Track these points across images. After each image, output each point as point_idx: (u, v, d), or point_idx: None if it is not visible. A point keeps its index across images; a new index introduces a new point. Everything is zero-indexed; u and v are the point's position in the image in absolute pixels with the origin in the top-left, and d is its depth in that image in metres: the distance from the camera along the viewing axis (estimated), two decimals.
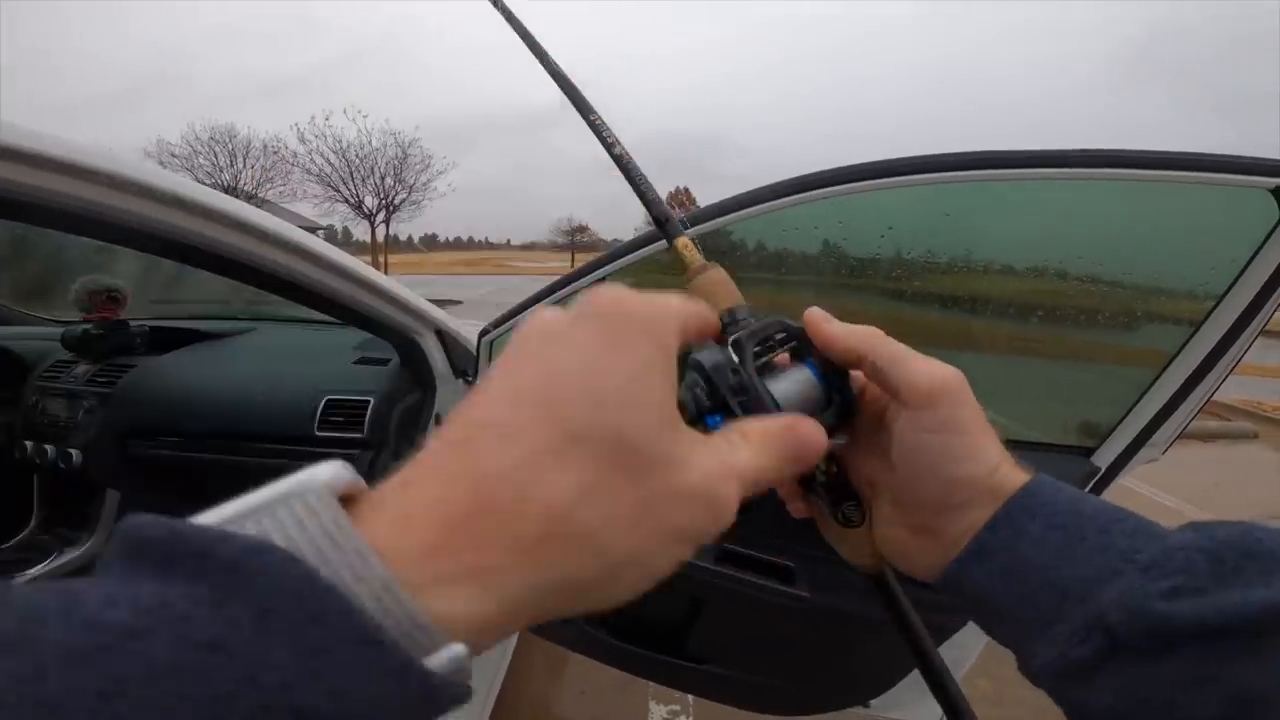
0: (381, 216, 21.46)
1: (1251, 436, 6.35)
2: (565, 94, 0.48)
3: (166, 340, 1.73)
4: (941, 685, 0.35)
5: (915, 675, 1.00)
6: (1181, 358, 0.82)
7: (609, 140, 0.44)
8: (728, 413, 0.29)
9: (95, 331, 1.65)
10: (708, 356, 0.30)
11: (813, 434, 0.26)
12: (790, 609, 0.94)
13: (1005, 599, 0.27)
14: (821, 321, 0.32)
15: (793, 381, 0.31)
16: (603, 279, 1.09)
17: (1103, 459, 0.91)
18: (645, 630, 1.13)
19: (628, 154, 0.43)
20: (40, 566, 1.51)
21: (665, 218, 0.40)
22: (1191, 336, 0.81)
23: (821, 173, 0.87)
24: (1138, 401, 0.87)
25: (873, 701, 1.10)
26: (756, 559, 1.00)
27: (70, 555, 1.56)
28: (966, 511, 0.29)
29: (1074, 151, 0.76)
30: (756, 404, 0.29)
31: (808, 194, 0.87)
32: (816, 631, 1.04)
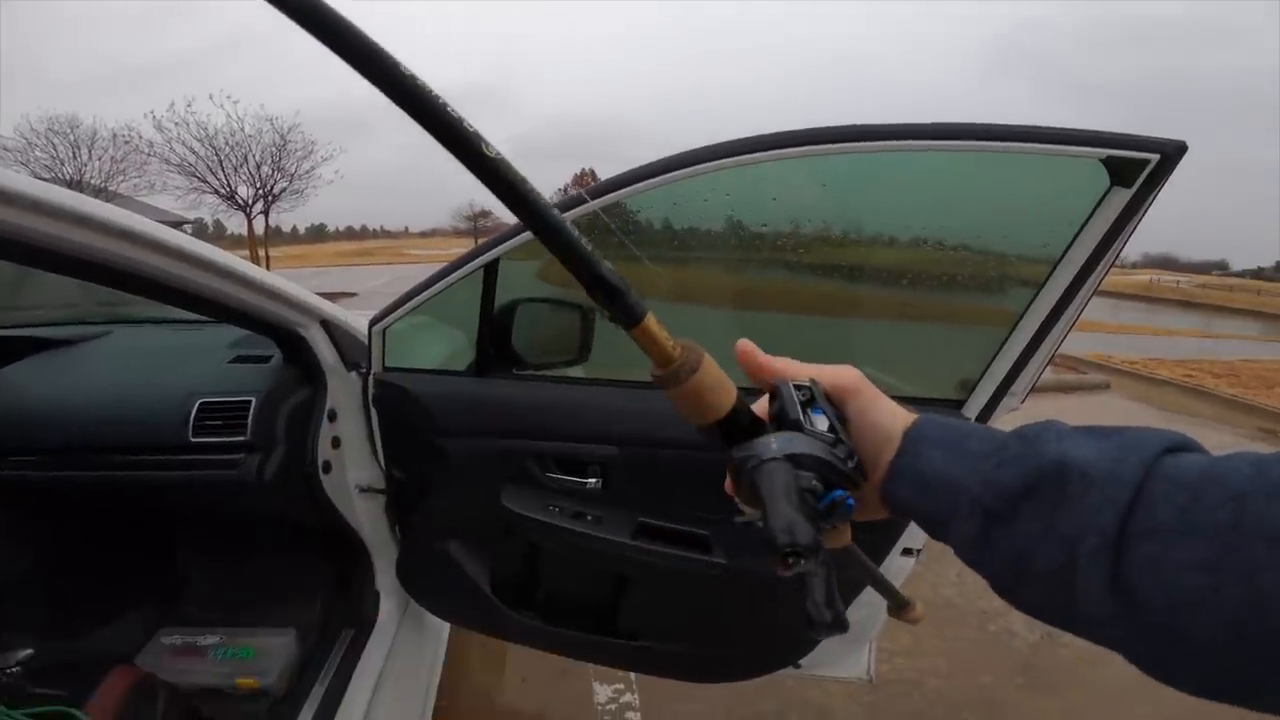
0: (259, 207, 19.73)
1: (1105, 387, 7.23)
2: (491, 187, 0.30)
3: (5, 351, 1.53)
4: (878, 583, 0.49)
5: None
6: (1028, 315, 0.90)
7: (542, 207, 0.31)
8: (846, 481, 0.36)
9: None
10: (795, 446, 0.36)
11: None
12: (709, 577, 0.97)
13: (923, 504, 0.38)
14: (753, 353, 0.43)
15: (829, 427, 0.38)
16: (494, 261, 1.08)
17: (971, 410, 1.00)
18: (575, 611, 1.14)
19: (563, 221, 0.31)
20: None
21: (614, 287, 0.32)
22: (1035, 296, 0.89)
23: (714, 145, 0.90)
24: (995, 356, 0.96)
25: (801, 661, 1.15)
26: (672, 530, 1.02)
27: None
28: (891, 450, 0.40)
29: (929, 125, 0.82)
30: (857, 460, 0.38)
31: (700, 166, 0.89)
32: (737, 598, 1.07)
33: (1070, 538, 0.31)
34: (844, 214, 1.12)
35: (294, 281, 1.17)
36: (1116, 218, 0.79)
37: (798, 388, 0.40)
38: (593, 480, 1.04)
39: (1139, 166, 0.75)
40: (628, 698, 1.79)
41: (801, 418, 0.38)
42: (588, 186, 1.01)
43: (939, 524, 0.38)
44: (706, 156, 0.89)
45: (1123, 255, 0.92)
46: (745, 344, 0.43)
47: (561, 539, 1.01)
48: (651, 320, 0.32)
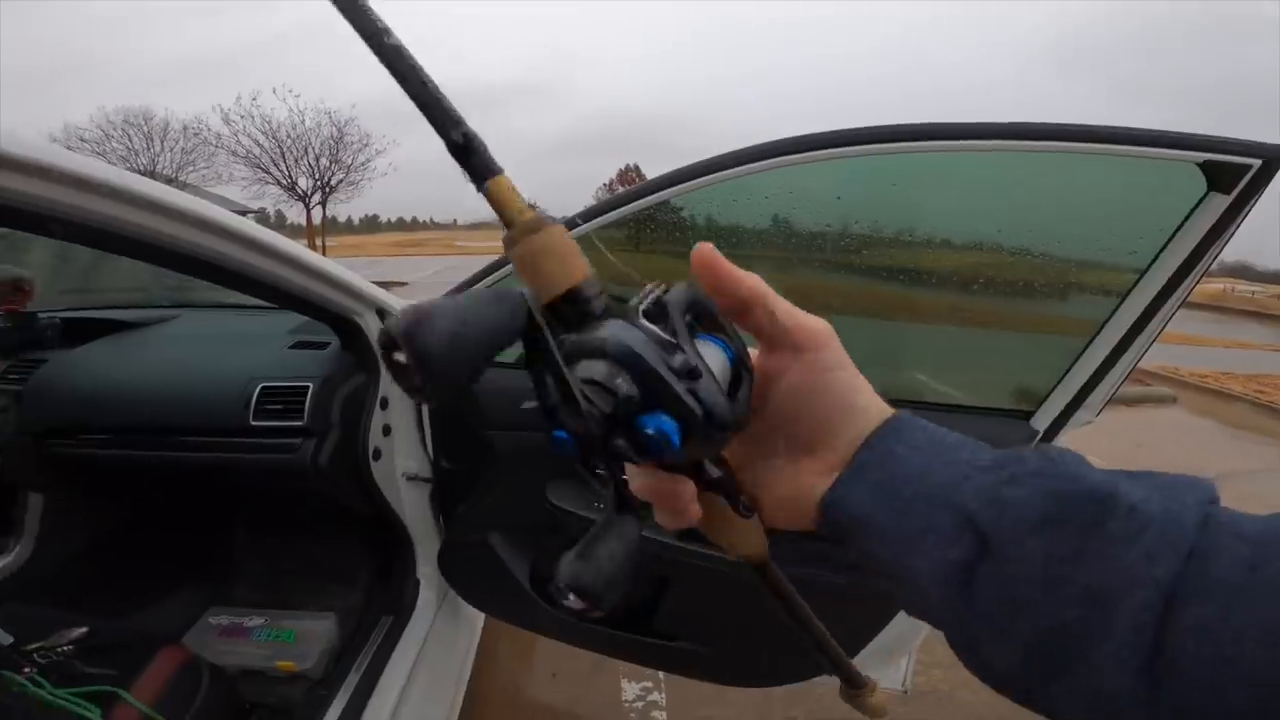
0: (317, 198, 20.50)
1: (1171, 401, 6.83)
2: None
3: (81, 332, 1.61)
4: (825, 651, 0.38)
5: (880, 640, 1.04)
6: (1110, 325, 0.86)
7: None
8: (675, 406, 0.25)
9: (2, 325, 1.54)
10: (619, 335, 0.25)
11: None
12: (749, 581, 0.95)
13: (884, 514, 0.28)
14: (716, 261, 0.30)
15: (715, 362, 0.27)
16: None
17: (1040, 422, 0.96)
18: (614, 608, 1.14)
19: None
20: None
21: (467, 142, 0.26)
22: (1119, 305, 0.85)
23: (776, 142, 0.87)
24: (1071, 367, 0.91)
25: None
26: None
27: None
28: (857, 434, 0.30)
29: (1014, 125, 0.78)
30: (707, 388, 0.25)
31: (760, 164, 0.87)
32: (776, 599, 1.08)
33: (1104, 590, 0.23)
34: (912, 215, 1.08)
35: (349, 270, 1.19)
36: (1213, 225, 0.75)
37: (698, 306, 0.29)
38: None
39: (1239, 171, 0.71)
40: (655, 697, 1.79)
41: (645, 309, 0.26)
42: (632, 182, 1.00)
43: (898, 546, 0.28)
44: (769, 153, 0.87)
45: None
46: (706, 249, 0.30)
47: None
48: (505, 181, 0.27)
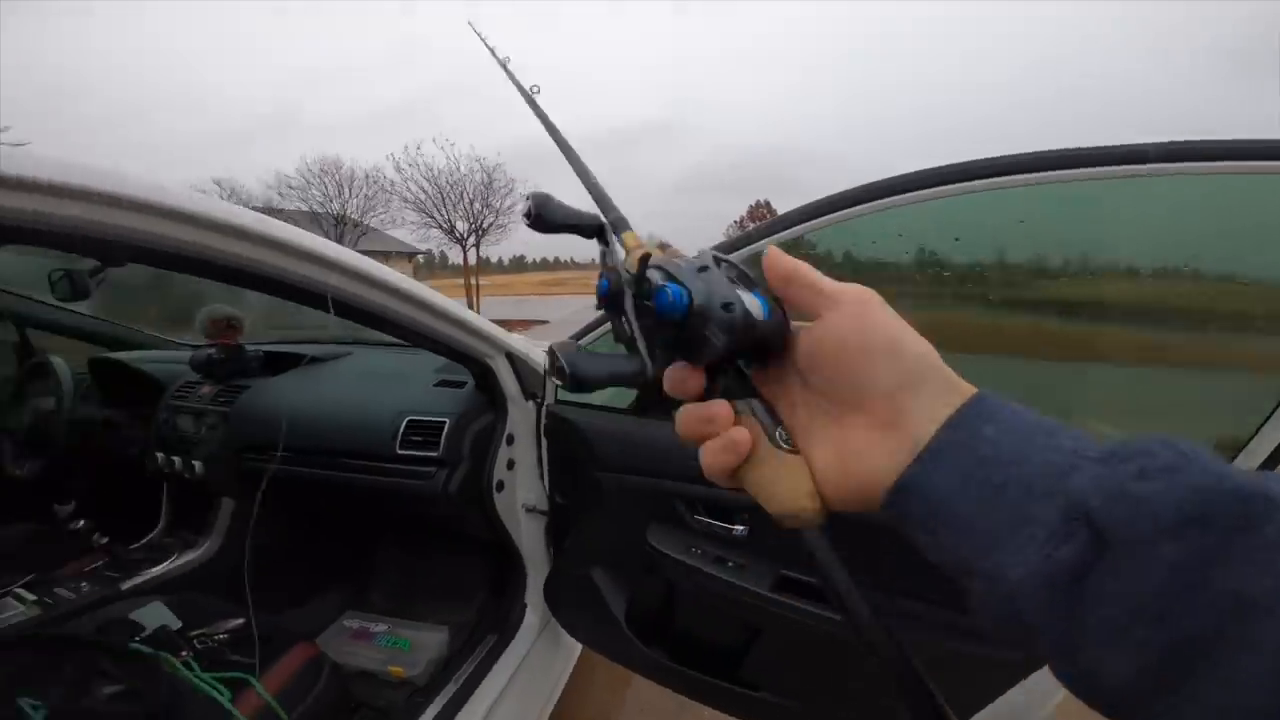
0: (472, 240, 22.51)
1: None
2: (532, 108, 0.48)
3: (277, 363, 1.90)
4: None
5: (989, 713, 0.92)
6: None
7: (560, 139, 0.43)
8: (683, 284, 0.30)
9: (217, 355, 1.84)
10: (672, 261, 0.32)
11: None
12: (844, 639, 0.89)
13: (969, 504, 0.25)
14: (780, 256, 0.32)
15: (747, 294, 0.31)
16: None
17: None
18: (702, 653, 1.13)
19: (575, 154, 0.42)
20: (162, 566, 1.69)
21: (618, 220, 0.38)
22: None
23: (928, 171, 0.84)
24: (1277, 409, 0.78)
25: None
26: (814, 586, 0.97)
27: (189, 556, 1.73)
28: (930, 397, 0.28)
29: (1213, 143, 0.70)
30: (724, 286, 0.30)
31: (911, 195, 0.85)
32: (872, 668, 0.99)
33: (1251, 599, 0.20)
34: (1081, 244, 0.98)
35: (498, 308, 1.30)
36: None
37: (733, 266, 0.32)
38: (739, 528, 1.01)
39: None
40: None
41: (706, 265, 0.31)
42: (763, 218, 1.01)
43: (983, 540, 0.25)
44: (923, 183, 0.84)
45: None
46: (775, 250, 0.32)
47: (700, 582, 1.02)
48: (632, 234, 0.37)
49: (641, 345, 0.32)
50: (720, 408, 0.31)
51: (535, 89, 0.49)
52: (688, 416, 0.31)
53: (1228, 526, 0.21)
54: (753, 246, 0.98)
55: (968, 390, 0.28)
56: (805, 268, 0.31)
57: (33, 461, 1.71)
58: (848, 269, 1.08)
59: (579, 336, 1.26)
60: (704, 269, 0.31)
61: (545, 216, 0.36)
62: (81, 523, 1.73)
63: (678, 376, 0.32)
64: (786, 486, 0.29)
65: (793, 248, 1.01)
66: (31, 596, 1.44)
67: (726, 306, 0.29)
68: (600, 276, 0.35)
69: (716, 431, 0.30)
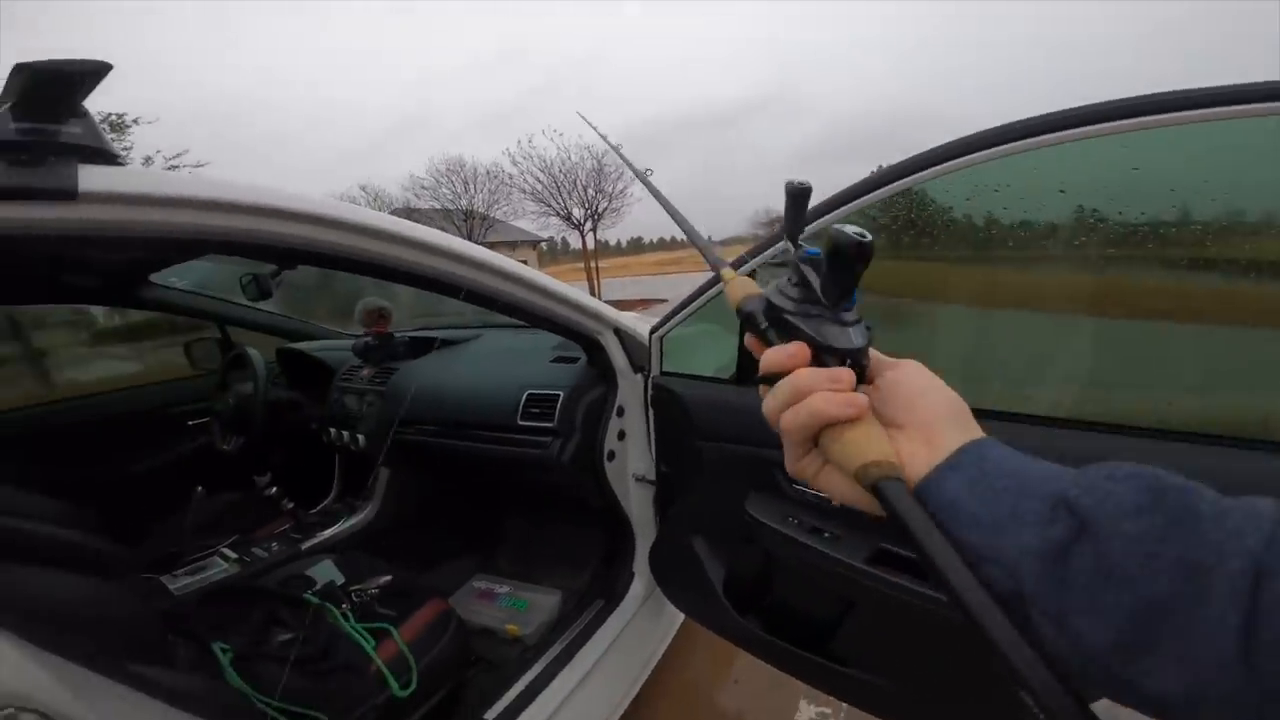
0: (589, 225, 23.10)
1: None
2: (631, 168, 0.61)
3: (421, 347, 2.14)
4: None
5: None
6: None
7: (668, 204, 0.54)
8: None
9: (373, 342, 2.11)
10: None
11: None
12: (939, 618, 0.86)
13: (974, 502, 0.33)
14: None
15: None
16: (751, 272, 1.12)
17: None
18: (795, 625, 1.13)
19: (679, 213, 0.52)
20: (333, 529, 1.96)
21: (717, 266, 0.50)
22: None
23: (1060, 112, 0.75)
24: None
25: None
26: (912, 561, 0.93)
27: (354, 519, 2.00)
28: (958, 431, 0.36)
29: None
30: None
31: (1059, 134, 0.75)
32: (968, 646, 0.92)
33: (1198, 562, 0.26)
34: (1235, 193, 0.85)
35: (618, 289, 1.38)
36: None
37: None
38: None
39: None
40: None
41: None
42: None
43: (987, 530, 0.32)
44: (1075, 121, 0.75)
45: None
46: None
47: (796, 552, 1.01)
48: (729, 272, 0.48)
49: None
50: (849, 373, 0.38)
51: (649, 171, 0.65)
52: (810, 374, 0.37)
53: (1172, 508, 0.28)
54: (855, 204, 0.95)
55: (981, 432, 0.37)
56: (873, 349, 0.41)
57: (237, 438, 2.04)
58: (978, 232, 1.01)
59: (665, 320, 1.31)
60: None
61: (801, 200, 0.42)
62: (274, 490, 2.05)
63: (798, 352, 0.39)
64: (880, 442, 0.36)
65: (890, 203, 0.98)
66: (233, 555, 1.73)
67: (860, 320, 0.40)
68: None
69: (839, 389, 0.37)
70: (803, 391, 0.37)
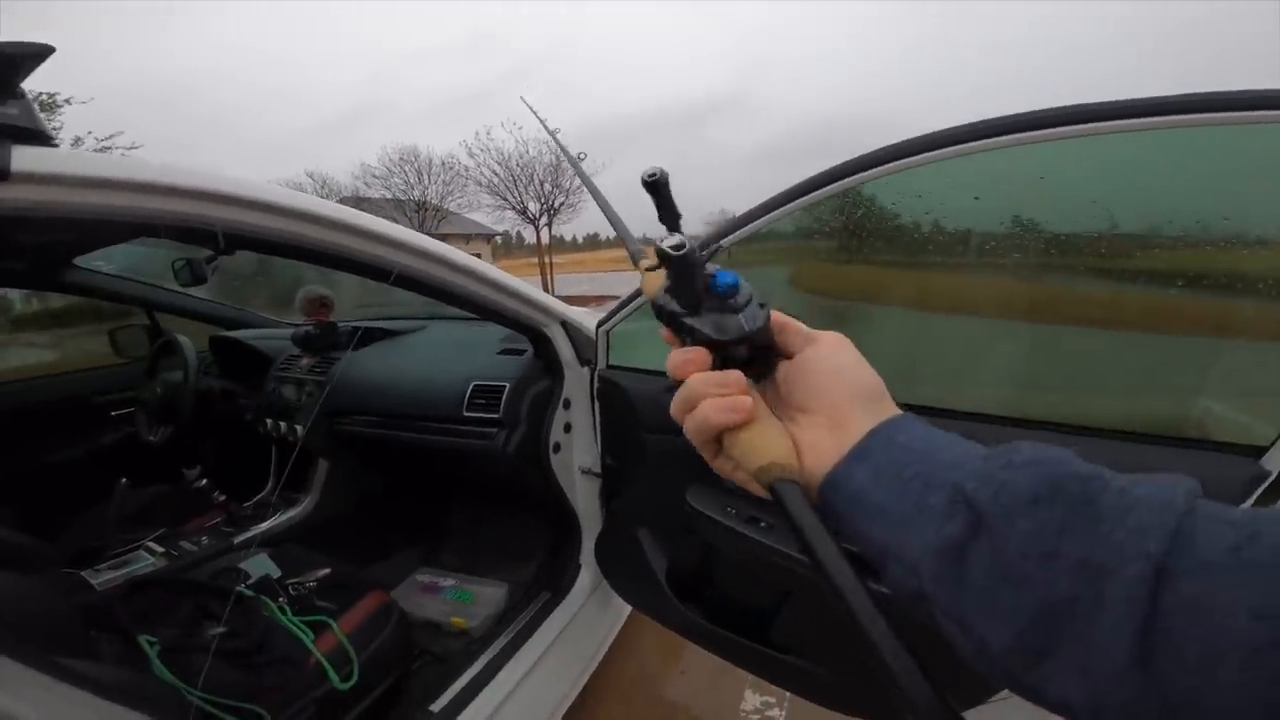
0: (544, 220, 22.87)
1: None
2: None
3: (364, 337, 2.09)
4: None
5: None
6: None
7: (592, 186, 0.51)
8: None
9: (314, 331, 2.06)
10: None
11: None
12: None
13: (881, 493, 0.32)
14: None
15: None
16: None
17: (1275, 462, 0.78)
18: (736, 614, 1.16)
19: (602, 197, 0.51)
20: (269, 522, 1.91)
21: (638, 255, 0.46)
22: None
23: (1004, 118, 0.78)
24: None
25: (967, 714, 1.03)
26: (842, 549, 0.97)
27: (292, 513, 1.95)
28: (866, 414, 0.35)
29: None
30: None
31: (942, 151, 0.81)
32: (898, 632, 0.97)
33: (1097, 564, 0.24)
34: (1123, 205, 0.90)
35: (573, 285, 1.39)
36: None
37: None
38: None
39: None
40: (775, 713, 1.73)
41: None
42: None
43: (893, 524, 0.31)
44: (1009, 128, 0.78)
45: None
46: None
47: (733, 542, 1.04)
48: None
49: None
50: (736, 375, 0.37)
51: (582, 155, 0.63)
52: (700, 380, 0.37)
53: (1071, 501, 0.26)
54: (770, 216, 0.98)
55: (895, 409, 0.36)
56: (794, 321, 0.40)
57: (164, 429, 1.95)
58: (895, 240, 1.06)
59: (612, 314, 1.33)
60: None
61: (662, 189, 0.38)
62: (204, 482, 1.98)
63: (695, 356, 0.38)
64: (777, 442, 0.36)
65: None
66: (160, 549, 1.66)
67: (752, 303, 0.38)
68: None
69: (726, 394, 0.36)
70: (694, 399, 0.37)
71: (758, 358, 0.39)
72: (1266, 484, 0.76)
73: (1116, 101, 0.74)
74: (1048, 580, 0.26)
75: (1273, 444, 0.78)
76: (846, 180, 0.92)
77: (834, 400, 0.36)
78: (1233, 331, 0.90)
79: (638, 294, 1.27)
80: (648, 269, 0.41)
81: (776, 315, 0.40)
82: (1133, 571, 0.24)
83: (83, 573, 1.48)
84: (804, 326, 0.40)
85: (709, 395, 0.36)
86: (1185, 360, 0.97)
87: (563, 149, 0.63)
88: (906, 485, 0.31)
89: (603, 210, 0.51)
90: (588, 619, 1.58)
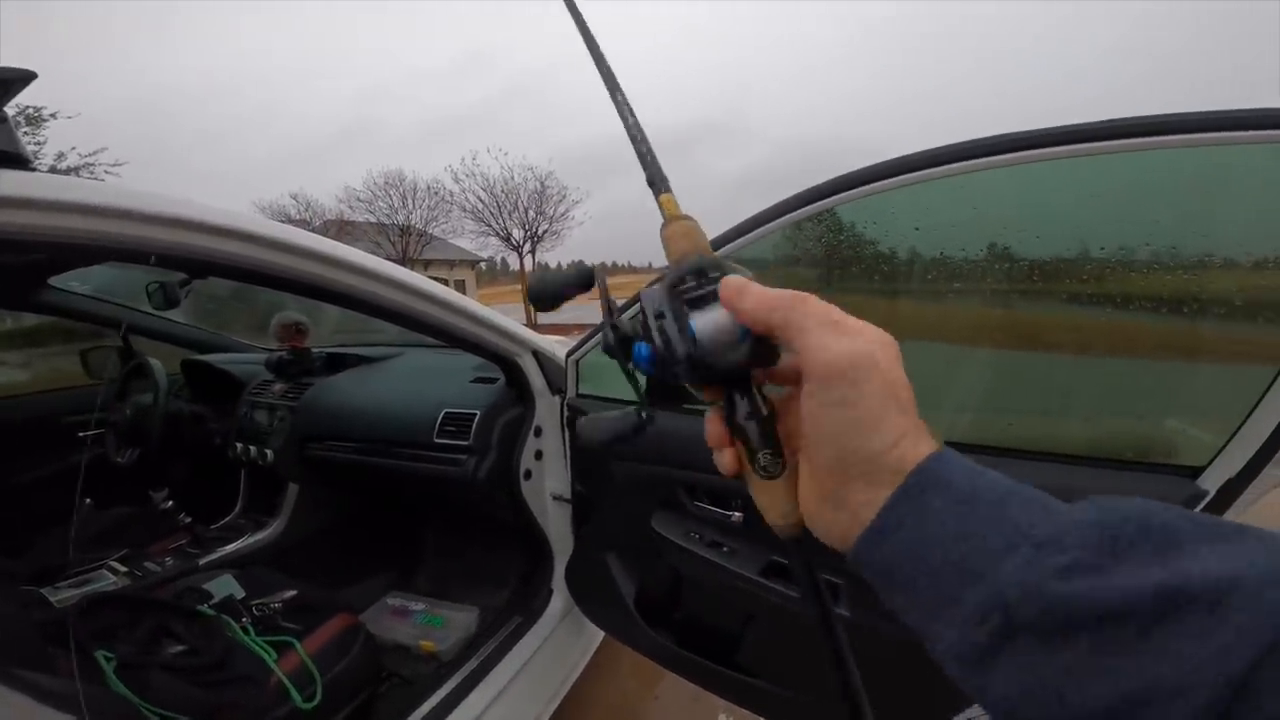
0: (528, 247, 22.97)
1: None
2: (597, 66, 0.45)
3: (338, 363, 2.11)
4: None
5: (976, 711, 0.94)
6: None
7: (621, 102, 0.43)
8: (650, 340, 0.35)
9: (287, 357, 2.07)
10: (647, 294, 0.36)
11: None
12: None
13: (908, 579, 0.28)
14: (734, 296, 0.32)
15: (709, 320, 0.33)
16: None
17: (1211, 481, 0.77)
18: (704, 638, 1.18)
19: (634, 117, 0.42)
20: (235, 544, 1.89)
21: (656, 177, 0.40)
22: None
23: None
24: (1255, 408, 0.70)
25: (967, 713, 0.99)
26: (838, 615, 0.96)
27: (259, 536, 1.94)
28: (869, 486, 0.29)
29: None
30: (675, 333, 0.33)
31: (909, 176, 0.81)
32: (859, 654, 0.97)
33: (1160, 687, 0.21)
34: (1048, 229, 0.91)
35: (554, 313, 1.40)
36: None
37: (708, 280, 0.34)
38: (737, 514, 1.07)
39: None
40: None
41: (678, 284, 0.35)
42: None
43: (923, 610, 0.27)
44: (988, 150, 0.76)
45: None
46: (730, 283, 0.33)
47: (697, 566, 1.06)
48: (665, 196, 0.39)
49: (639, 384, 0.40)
50: (713, 425, 0.35)
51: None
52: (708, 424, 0.36)
53: (1143, 624, 0.22)
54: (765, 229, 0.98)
55: (912, 464, 0.28)
56: (790, 327, 0.31)
57: (132, 450, 1.94)
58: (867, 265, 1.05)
59: (581, 344, 1.37)
60: (660, 316, 0.34)
61: (545, 296, 0.39)
62: (170, 504, 1.96)
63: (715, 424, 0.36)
64: (765, 503, 0.34)
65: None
66: (123, 569, 1.65)
67: (674, 347, 0.34)
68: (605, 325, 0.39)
69: (718, 446, 0.35)
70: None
71: (735, 374, 0.34)
72: (1204, 503, 0.76)
73: (1092, 123, 0.73)
74: (1082, 698, 0.22)
75: (1209, 463, 0.78)
76: (808, 209, 0.93)
77: (825, 465, 0.30)
78: (1171, 352, 0.90)
79: (600, 328, 1.30)
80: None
81: (788, 315, 0.31)
82: (1202, 698, 0.20)
83: (43, 589, 1.47)
84: (827, 333, 0.30)
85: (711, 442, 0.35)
86: (1125, 381, 0.97)
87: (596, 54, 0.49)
88: (938, 574, 0.27)
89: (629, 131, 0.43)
90: (559, 644, 1.58)
